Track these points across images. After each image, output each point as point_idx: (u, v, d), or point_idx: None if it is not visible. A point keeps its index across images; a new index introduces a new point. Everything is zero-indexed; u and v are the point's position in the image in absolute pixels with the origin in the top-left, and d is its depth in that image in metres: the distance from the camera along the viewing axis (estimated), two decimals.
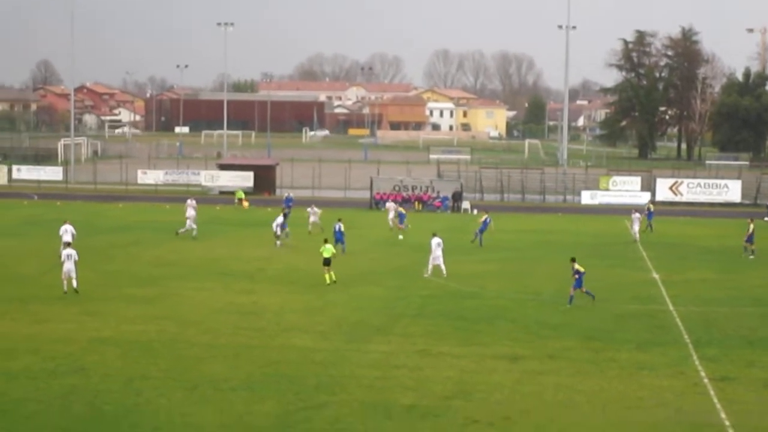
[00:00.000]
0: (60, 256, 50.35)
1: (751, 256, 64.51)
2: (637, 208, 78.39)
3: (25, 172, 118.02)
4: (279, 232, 65.27)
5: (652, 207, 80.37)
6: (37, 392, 31.45)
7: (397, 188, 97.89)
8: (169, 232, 71.21)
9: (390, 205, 78.92)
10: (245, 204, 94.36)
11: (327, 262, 51.68)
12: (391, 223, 75.35)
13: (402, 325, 42.43)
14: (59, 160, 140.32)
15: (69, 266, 48.20)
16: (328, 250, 52.04)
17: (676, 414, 30.72)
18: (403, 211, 74.52)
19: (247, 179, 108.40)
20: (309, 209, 73.78)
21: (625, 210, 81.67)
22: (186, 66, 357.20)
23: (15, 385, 32.11)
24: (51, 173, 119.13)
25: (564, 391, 32.62)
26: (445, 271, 54.55)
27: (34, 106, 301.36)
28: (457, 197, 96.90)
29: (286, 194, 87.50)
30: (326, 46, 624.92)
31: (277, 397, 31.39)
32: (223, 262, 59.28)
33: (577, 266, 46.73)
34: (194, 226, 70.40)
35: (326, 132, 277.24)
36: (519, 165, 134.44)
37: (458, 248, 66.33)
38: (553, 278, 54.88)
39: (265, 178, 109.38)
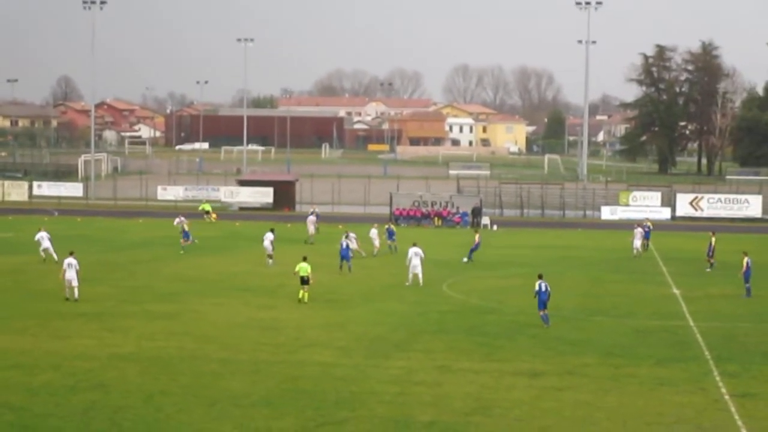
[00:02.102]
0: (62, 264, 51.13)
1: (708, 270, 65.36)
2: (640, 223, 78.03)
3: (45, 189, 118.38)
4: (271, 250, 64.95)
5: (650, 224, 79.60)
6: (57, 408, 31.53)
7: (416, 204, 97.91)
8: (189, 248, 71.32)
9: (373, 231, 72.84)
10: (213, 217, 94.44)
11: (304, 280, 50.94)
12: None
13: (422, 340, 42.40)
14: (79, 176, 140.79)
15: (71, 274, 49.91)
16: (304, 269, 51.14)
17: (696, 430, 30.62)
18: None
19: (266, 195, 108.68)
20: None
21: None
22: (206, 82, 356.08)
23: (36, 401, 32.21)
24: (71, 189, 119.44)
25: (584, 407, 32.53)
26: (422, 281, 56.30)
27: (54, 123, 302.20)
28: (477, 213, 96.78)
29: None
30: (346, 62, 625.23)
31: (297, 413, 31.38)
32: (243, 277, 59.34)
33: (539, 282, 45.90)
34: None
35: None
36: (539, 180, 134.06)
37: (478, 264, 66.35)
38: (573, 294, 54.85)
39: (285, 194, 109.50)
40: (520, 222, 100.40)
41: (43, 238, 63.93)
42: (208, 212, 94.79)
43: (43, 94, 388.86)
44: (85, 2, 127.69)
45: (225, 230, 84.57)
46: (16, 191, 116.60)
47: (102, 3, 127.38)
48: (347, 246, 62.53)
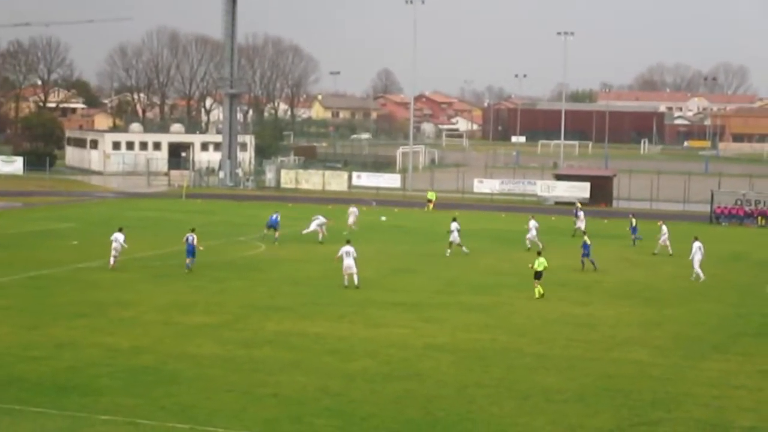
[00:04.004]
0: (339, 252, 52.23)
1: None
2: None
3: (364, 179, 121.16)
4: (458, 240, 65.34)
5: None
6: (372, 395, 32.00)
7: (739, 202, 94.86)
8: (504, 242, 71.33)
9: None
10: (430, 207, 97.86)
11: (538, 275, 50.03)
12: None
13: (742, 343, 40.95)
14: (397, 168, 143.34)
15: (349, 262, 51.13)
16: (541, 263, 50.34)
17: None
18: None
19: (583, 190, 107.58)
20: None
21: None
22: (524, 75, 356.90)
23: (352, 387, 32.82)
24: (389, 180, 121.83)
25: None
26: (702, 276, 55.65)
27: (374, 115, 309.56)
28: None
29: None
30: (667, 56, 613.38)
31: (612, 411, 30.79)
32: (557, 272, 58.62)
33: None
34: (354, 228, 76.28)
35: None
36: None
37: None
38: None
39: (601, 189, 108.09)
40: None
41: (317, 218, 70.24)
42: (430, 201, 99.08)
43: (364, 87, 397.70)
44: None
45: (541, 225, 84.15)
46: (336, 181, 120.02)
47: None
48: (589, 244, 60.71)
